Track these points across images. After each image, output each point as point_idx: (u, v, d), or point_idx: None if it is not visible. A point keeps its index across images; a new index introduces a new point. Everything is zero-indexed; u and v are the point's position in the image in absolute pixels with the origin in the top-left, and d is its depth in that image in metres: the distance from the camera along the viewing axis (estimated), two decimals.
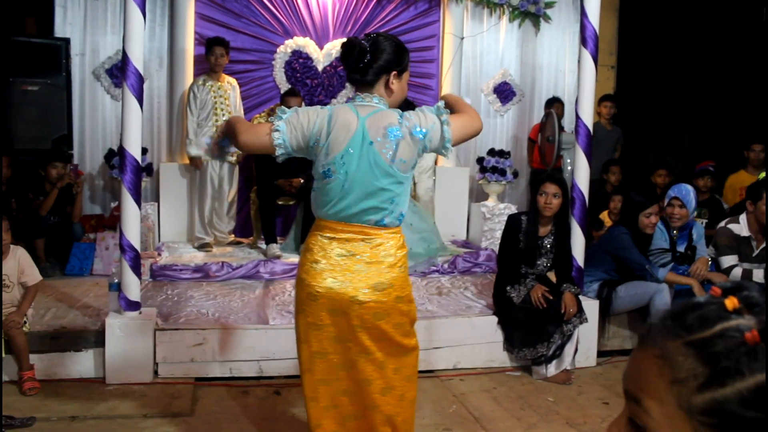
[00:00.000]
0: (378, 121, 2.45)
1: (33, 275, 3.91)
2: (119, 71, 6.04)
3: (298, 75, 6.82)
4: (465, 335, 4.37)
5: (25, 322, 3.82)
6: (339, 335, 2.53)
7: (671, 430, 0.72)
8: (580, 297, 4.36)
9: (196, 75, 6.37)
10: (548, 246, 4.34)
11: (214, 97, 6.13)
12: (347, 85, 6.64)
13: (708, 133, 8.83)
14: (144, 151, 5.79)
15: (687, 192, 4.79)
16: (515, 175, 7.00)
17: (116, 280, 4.04)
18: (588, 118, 4.52)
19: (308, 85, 6.86)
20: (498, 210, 6.74)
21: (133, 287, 3.95)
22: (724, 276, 4.77)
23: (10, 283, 3.83)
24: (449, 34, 7.12)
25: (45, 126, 5.94)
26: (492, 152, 6.94)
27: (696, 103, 9.09)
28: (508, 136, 7.68)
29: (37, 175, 5.56)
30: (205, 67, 6.23)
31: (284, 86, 6.72)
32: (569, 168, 5.85)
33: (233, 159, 6.29)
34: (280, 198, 6.18)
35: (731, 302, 0.71)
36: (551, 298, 4.21)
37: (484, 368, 4.37)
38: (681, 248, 4.81)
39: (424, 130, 2.45)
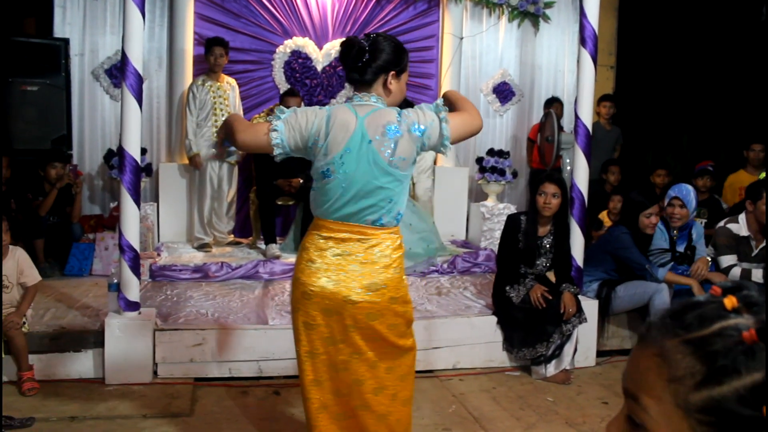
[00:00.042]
0: (376, 120, 2.45)
1: (32, 276, 3.91)
2: (118, 71, 6.03)
3: (298, 75, 6.82)
4: (464, 335, 4.37)
5: (24, 323, 3.81)
6: (331, 336, 2.53)
7: (669, 428, 0.72)
8: (580, 297, 4.36)
9: (196, 75, 6.37)
10: (547, 246, 4.34)
11: (214, 98, 6.13)
12: (346, 85, 6.64)
13: (707, 132, 8.83)
14: (143, 151, 5.79)
15: (687, 192, 4.79)
16: (514, 175, 7.00)
17: (115, 281, 4.04)
18: (587, 118, 4.52)
19: (307, 85, 6.86)
20: (497, 210, 6.74)
21: (132, 287, 3.95)
22: (723, 276, 4.77)
23: (9, 283, 3.83)
24: (448, 34, 7.13)
25: (44, 126, 5.94)
26: (491, 152, 6.94)
27: (695, 103, 9.09)
28: (507, 136, 7.69)
29: (36, 175, 5.56)
30: (205, 68, 6.23)
31: (283, 86, 6.72)
32: (568, 168, 5.86)
33: (233, 160, 6.29)
34: (279, 198, 6.18)
35: (730, 301, 0.71)
36: (550, 297, 4.21)
37: (484, 368, 4.37)
38: (681, 248, 4.82)
39: (422, 128, 2.45)
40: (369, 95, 2.51)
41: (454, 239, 6.84)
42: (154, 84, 6.56)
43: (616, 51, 8.39)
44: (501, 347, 4.43)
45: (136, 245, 3.92)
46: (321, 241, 2.52)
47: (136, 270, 3.95)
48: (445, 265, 5.80)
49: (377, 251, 2.49)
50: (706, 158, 7.17)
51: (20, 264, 3.88)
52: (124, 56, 3.78)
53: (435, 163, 7.01)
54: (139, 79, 3.80)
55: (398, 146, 2.43)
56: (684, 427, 0.71)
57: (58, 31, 6.29)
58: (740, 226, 4.88)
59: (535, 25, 7.60)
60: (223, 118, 6.03)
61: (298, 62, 6.81)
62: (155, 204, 6.38)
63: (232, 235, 6.52)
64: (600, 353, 4.65)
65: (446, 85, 7.07)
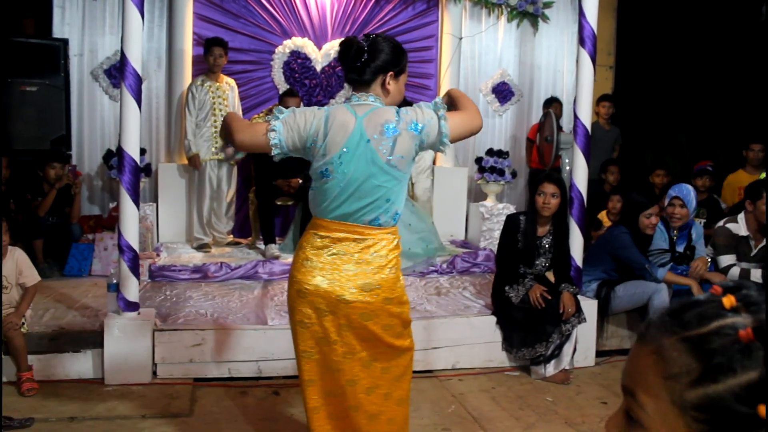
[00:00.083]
0: (375, 119, 2.45)
1: (31, 276, 3.91)
2: (118, 72, 6.04)
3: (297, 75, 6.82)
4: (464, 335, 4.38)
5: (23, 323, 3.81)
6: (324, 336, 2.52)
7: (665, 424, 0.73)
8: (579, 297, 4.37)
9: (195, 75, 6.37)
10: (547, 246, 4.34)
11: (213, 98, 6.13)
12: (346, 85, 6.64)
13: (706, 132, 8.83)
14: (142, 151, 5.79)
15: (688, 192, 4.80)
16: (514, 175, 7.00)
17: (115, 281, 4.04)
18: (586, 118, 4.52)
19: (307, 85, 6.86)
20: (496, 210, 6.75)
21: (131, 288, 3.95)
22: (722, 276, 4.78)
23: (8, 284, 3.82)
24: (447, 34, 7.13)
25: (43, 126, 5.93)
26: (490, 152, 6.95)
27: (694, 103, 9.09)
28: (506, 136, 7.69)
29: (35, 175, 5.56)
30: (204, 68, 6.23)
31: (282, 86, 6.72)
32: (567, 168, 5.86)
33: (238, 157, 6.29)
34: (278, 198, 6.18)
35: (729, 300, 0.72)
36: (550, 297, 4.21)
37: (483, 368, 4.37)
38: (680, 248, 4.82)
39: (420, 125, 2.45)
40: (367, 95, 2.51)
41: (454, 239, 6.85)
42: (153, 84, 6.56)
43: (615, 51, 8.39)
44: (500, 347, 4.43)
45: (136, 245, 3.92)
46: (318, 240, 2.52)
47: (135, 270, 3.95)
48: (445, 265, 5.81)
49: (372, 251, 2.49)
50: (705, 158, 7.17)
51: (19, 264, 3.87)
52: (123, 56, 3.78)
53: (434, 163, 7.02)
54: (138, 80, 3.80)
55: (396, 145, 2.43)
56: (679, 424, 0.72)
57: (57, 32, 6.29)
58: (739, 226, 4.89)
59: (534, 25, 7.60)
60: (222, 120, 6.05)
61: (297, 62, 6.81)
62: (154, 204, 6.38)
63: (232, 236, 6.52)
64: (599, 353, 4.65)
65: (445, 85, 7.07)
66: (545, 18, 7.60)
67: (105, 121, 6.52)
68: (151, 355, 3.93)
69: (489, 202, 6.91)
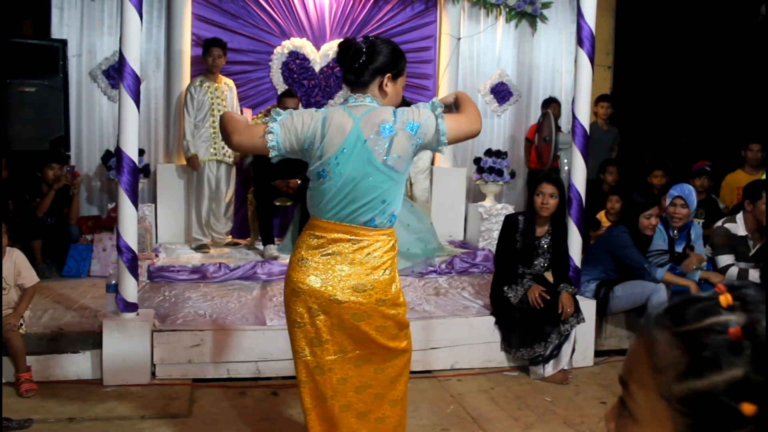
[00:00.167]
0: (372, 119, 2.45)
1: (30, 277, 3.90)
2: (116, 72, 6.03)
3: (295, 76, 6.82)
4: (462, 335, 4.38)
5: (21, 324, 3.81)
6: (316, 337, 2.53)
7: (652, 415, 0.75)
8: (577, 297, 4.37)
9: (193, 76, 6.37)
10: (545, 246, 4.34)
11: (211, 98, 6.13)
12: (344, 86, 6.64)
13: (705, 132, 8.84)
14: (141, 152, 5.78)
15: (690, 192, 4.80)
16: (512, 175, 7.01)
17: (113, 282, 4.04)
18: (585, 118, 4.52)
19: (305, 86, 6.86)
20: (495, 210, 6.75)
21: (130, 288, 3.95)
22: (721, 275, 4.78)
23: (7, 285, 3.81)
24: (446, 34, 7.13)
25: (42, 127, 5.93)
26: (489, 152, 6.95)
27: (693, 103, 9.10)
28: (505, 136, 7.70)
29: (34, 176, 5.56)
30: (202, 68, 6.23)
31: (281, 87, 6.72)
32: (566, 168, 5.86)
33: (230, 160, 6.29)
34: (277, 199, 6.18)
35: (725, 299, 0.73)
36: (548, 298, 4.21)
37: (482, 368, 4.37)
38: (679, 249, 4.82)
39: (417, 124, 2.45)
40: (364, 96, 2.52)
41: (452, 240, 6.85)
42: (152, 85, 6.56)
43: (613, 51, 8.40)
44: (499, 347, 4.43)
45: (134, 246, 3.92)
46: (313, 240, 2.53)
47: (134, 271, 3.95)
48: (443, 266, 5.81)
49: (366, 252, 2.50)
50: (703, 158, 7.18)
51: (17, 265, 3.87)
52: (121, 57, 3.78)
53: (433, 163, 7.02)
54: (137, 80, 3.80)
55: (393, 145, 2.43)
56: (666, 416, 0.73)
57: (56, 32, 6.29)
58: (738, 226, 4.90)
59: (533, 25, 7.60)
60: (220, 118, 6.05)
61: (296, 63, 6.81)
62: (153, 205, 6.38)
63: (230, 236, 6.51)
64: (598, 353, 4.65)
65: (444, 86, 7.08)
66: (543, 18, 7.60)
67: (103, 122, 6.52)
68: (149, 356, 3.93)
69: (488, 202, 6.91)
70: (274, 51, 6.78)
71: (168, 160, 6.59)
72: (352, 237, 2.49)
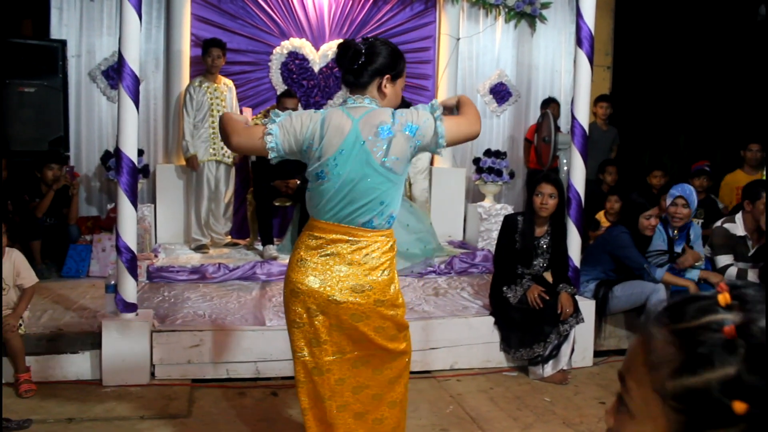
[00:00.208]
0: (370, 120, 2.45)
1: (29, 277, 3.90)
2: (115, 73, 6.03)
3: (295, 76, 6.83)
4: (462, 336, 4.38)
5: (20, 325, 3.81)
6: (315, 337, 2.53)
7: (647, 410, 0.76)
8: (577, 297, 4.37)
9: (193, 76, 6.37)
10: (544, 246, 4.34)
11: (211, 99, 6.13)
12: (343, 86, 6.64)
13: (704, 133, 8.85)
14: (140, 152, 5.77)
15: (690, 192, 4.81)
16: (511, 175, 7.01)
17: (113, 282, 4.04)
18: (584, 119, 4.52)
19: (304, 86, 6.86)
20: (494, 210, 6.75)
21: (129, 289, 3.95)
22: (720, 275, 4.79)
23: (6, 285, 3.82)
24: (445, 35, 7.13)
25: (41, 128, 5.93)
26: (488, 153, 6.96)
27: (692, 103, 9.11)
28: (504, 136, 7.70)
29: (33, 176, 5.56)
30: (202, 69, 6.23)
31: (280, 87, 6.72)
32: (565, 168, 5.86)
33: (230, 161, 6.29)
34: (276, 199, 6.19)
35: (724, 298, 0.74)
36: (548, 298, 4.21)
37: (481, 368, 4.37)
38: (678, 249, 4.82)
39: (416, 126, 2.45)
40: (363, 97, 2.52)
41: (452, 240, 6.85)
42: (151, 85, 6.56)
43: (612, 51, 8.40)
44: (498, 348, 4.43)
45: (134, 246, 3.92)
46: (312, 241, 2.53)
47: (133, 271, 3.95)
48: (443, 266, 5.81)
49: (365, 253, 2.50)
50: (702, 158, 7.19)
51: (17, 266, 3.87)
52: (120, 57, 3.78)
53: (432, 163, 7.02)
54: (136, 81, 3.80)
55: (391, 146, 2.43)
56: (660, 411, 0.74)
57: (55, 33, 6.29)
58: (737, 226, 4.90)
59: (532, 25, 7.61)
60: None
61: (295, 63, 6.81)
62: (152, 205, 6.38)
63: (230, 237, 6.51)
64: (597, 353, 4.65)
65: (443, 86, 7.09)
66: (543, 18, 7.60)
67: (103, 122, 6.52)
68: (149, 356, 3.93)
69: (487, 202, 6.92)
70: (274, 51, 6.78)
71: (167, 160, 6.59)
72: (350, 238, 2.49)
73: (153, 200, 6.46)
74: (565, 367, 4.24)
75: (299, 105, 6.19)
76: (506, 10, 7.44)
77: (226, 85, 6.28)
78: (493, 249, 5.01)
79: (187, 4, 6.45)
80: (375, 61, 2.49)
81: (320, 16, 6.88)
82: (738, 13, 8.88)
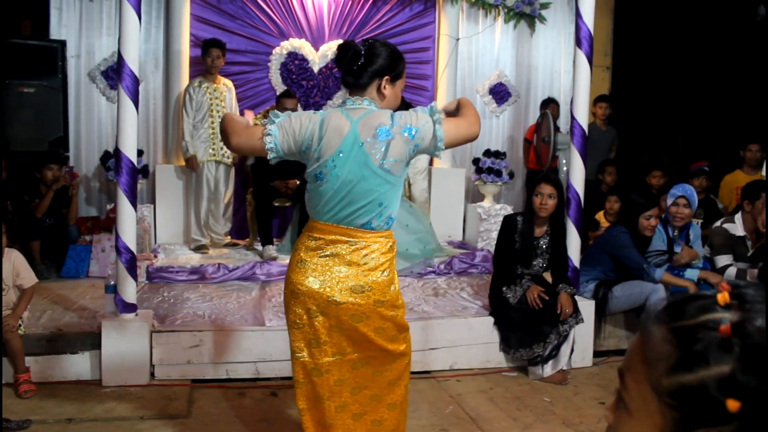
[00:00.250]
0: (369, 122, 2.45)
1: (28, 278, 3.90)
2: (115, 73, 6.03)
3: (294, 77, 6.83)
4: (461, 336, 4.38)
5: (20, 325, 3.80)
6: (315, 338, 2.54)
7: (644, 407, 0.77)
8: (576, 297, 4.37)
9: (192, 77, 6.37)
10: (544, 246, 4.34)
11: (210, 99, 6.13)
12: (342, 87, 6.64)
13: (703, 133, 8.85)
14: (140, 152, 5.77)
15: (692, 192, 4.82)
16: (511, 175, 7.01)
17: (112, 282, 4.04)
18: (583, 119, 4.53)
19: (304, 86, 6.87)
20: (494, 211, 6.75)
21: (129, 289, 3.95)
22: (719, 276, 4.79)
23: (6, 286, 3.81)
24: (445, 35, 7.14)
25: (41, 128, 5.93)
26: (488, 153, 6.96)
27: (691, 104, 9.11)
28: (503, 136, 7.70)
29: (32, 177, 5.55)
30: (201, 69, 6.23)
31: (280, 88, 6.72)
32: (565, 168, 5.87)
33: (229, 161, 6.29)
34: (276, 199, 6.19)
35: (723, 297, 0.74)
36: (547, 298, 4.22)
37: (481, 369, 4.38)
38: (678, 249, 4.82)
39: (414, 129, 2.45)
40: (362, 99, 2.52)
41: (451, 240, 6.85)
42: (151, 86, 6.56)
43: (611, 52, 8.41)
44: (498, 348, 4.43)
45: (133, 247, 3.92)
46: (312, 242, 2.54)
47: (132, 272, 3.95)
48: (442, 266, 5.81)
49: (364, 253, 2.50)
50: (702, 159, 7.19)
51: (16, 266, 3.86)
52: (120, 58, 3.78)
53: (431, 164, 7.02)
54: (136, 81, 3.80)
55: (390, 148, 2.43)
56: (656, 408, 0.75)
57: (54, 33, 6.29)
58: (736, 226, 4.90)
59: (531, 26, 7.61)
60: (220, 120, 6.06)
61: (295, 64, 6.81)
62: (152, 206, 6.38)
63: (229, 237, 6.51)
64: (597, 353, 4.66)
65: (442, 86, 7.09)
66: (542, 19, 7.61)
67: (102, 123, 6.52)
68: (148, 357, 3.93)
69: (486, 202, 6.92)
70: (273, 52, 6.78)
71: (167, 160, 6.59)
72: (349, 239, 2.50)
73: (152, 201, 6.46)
74: (564, 368, 4.24)
75: (299, 105, 6.19)
76: (505, 10, 7.44)
77: (225, 86, 6.28)
78: (492, 249, 5.01)
79: (186, 4, 6.45)
80: (374, 62, 2.49)
81: (320, 17, 6.88)
82: (737, 13, 8.89)
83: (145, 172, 6.20)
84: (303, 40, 6.83)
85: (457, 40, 7.18)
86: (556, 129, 6.49)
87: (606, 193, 6.53)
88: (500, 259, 4.43)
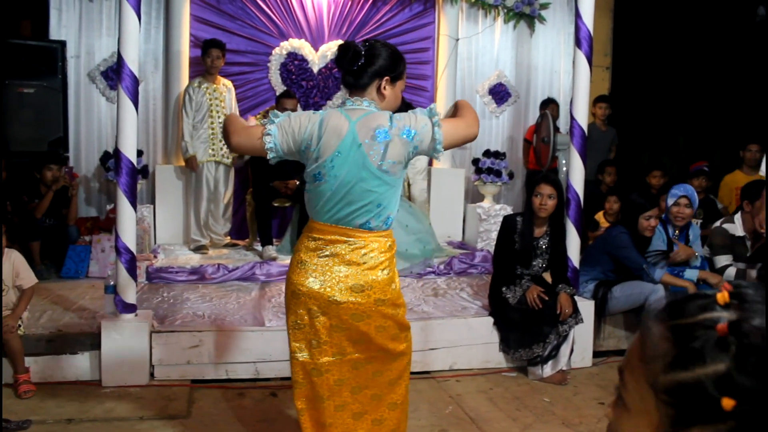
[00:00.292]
0: (367, 123, 2.46)
1: (28, 278, 3.90)
2: (114, 73, 6.03)
3: (294, 77, 6.83)
4: (461, 336, 4.38)
5: (20, 326, 3.80)
6: (315, 338, 2.54)
7: (641, 403, 0.78)
8: (576, 297, 4.37)
9: (192, 77, 6.37)
10: (543, 247, 4.35)
11: (210, 100, 6.13)
12: (342, 87, 6.64)
13: (703, 133, 8.86)
14: (139, 153, 5.78)
15: (693, 192, 4.82)
16: (511, 176, 7.02)
17: (112, 283, 4.04)
18: (583, 119, 4.53)
19: (303, 86, 6.87)
20: (494, 211, 6.75)
21: (129, 290, 3.95)
22: (719, 276, 4.79)
23: (6, 286, 3.81)
24: (444, 35, 7.14)
25: (41, 128, 5.93)
26: (487, 153, 6.96)
27: (691, 104, 9.12)
28: (503, 137, 7.70)
29: (32, 177, 5.55)
30: (201, 69, 6.23)
31: (279, 88, 6.72)
32: (564, 169, 5.87)
33: (229, 161, 6.29)
34: (275, 200, 6.19)
35: (722, 296, 0.75)
36: (547, 298, 4.22)
37: (480, 369, 4.38)
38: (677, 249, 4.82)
39: (413, 131, 2.46)
40: (362, 99, 2.53)
41: (451, 240, 6.85)
42: (150, 86, 6.56)
43: (611, 52, 8.41)
44: (497, 348, 4.44)
45: (133, 247, 3.92)
46: (311, 242, 2.54)
47: (132, 272, 3.95)
48: (442, 267, 5.81)
49: (363, 252, 2.51)
50: (701, 159, 7.20)
51: (16, 266, 3.86)
52: (120, 58, 3.78)
53: (430, 164, 7.02)
54: (135, 81, 3.80)
55: (388, 150, 2.44)
56: (652, 405, 0.75)
57: (54, 34, 6.29)
58: (736, 227, 4.90)
59: (531, 26, 7.61)
60: (219, 121, 6.08)
61: (294, 64, 6.81)
62: (152, 206, 6.38)
63: (229, 237, 6.51)
64: (596, 354, 4.66)
65: (442, 87, 7.09)
66: (542, 19, 7.61)
67: (102, 123, 6.52)
68: (148, 357, 3.93)
69: (486, 203, 6.92)
70: (273, 52, 6.78)
71: (166, 161, 6.59)
72: (348, 239, 2.50)
73: (152, 201, 6.46)
74: (564, 368, 4.24)
75: (298, 106, 6.19)
76: (505, 10, 7.44)
77: (225, 86, 6.28)
78: (492, 249, 5.01)
79: (186, 4, 6.45)
80: (374, 62, 2.50)
81: (319, 17, 6.89)
82: (737, 13, 8.89)
83: (144, 172, 6.20)
84: (302, 40, 6.83)
85: (457, 40, 7.18)
86: (556, 129, 6.48)
87: (605, 193, 6.53)
88: (500, 260, 4.43)
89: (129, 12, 3.74)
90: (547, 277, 4.51)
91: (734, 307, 0.74)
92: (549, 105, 7.18)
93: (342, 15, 6.92)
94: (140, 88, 4.13)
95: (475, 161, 6.95)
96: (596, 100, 7.33)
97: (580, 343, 4.44)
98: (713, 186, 6.68)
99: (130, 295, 3.96)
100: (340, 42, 2.63)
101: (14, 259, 3.88)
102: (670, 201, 4.82)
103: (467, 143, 2.71)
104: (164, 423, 3.45)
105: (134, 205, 3.90)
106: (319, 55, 6.88)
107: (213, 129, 6.11)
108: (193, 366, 4.00)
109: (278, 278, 5.35)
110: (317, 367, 2.56)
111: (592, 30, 4.44)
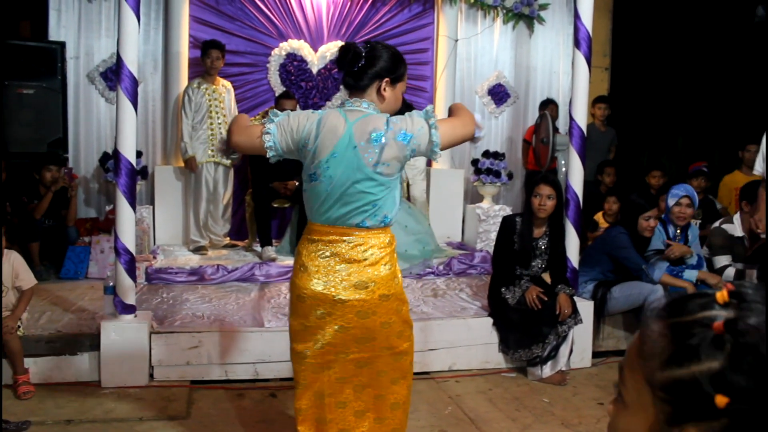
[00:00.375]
0: (364, 126, 2.46)
1: (27, 279, 3.90)
2: (114, 74, 6.01)
3: (293, 78, 6.83)
4: (460, 337, 4.38)
5: (19, 327, 3.80)
6: (321, 339, 2.55)
7: (639, 400, 0.79)
8: (575, 298, 4.37)
9: (191, 78, 6.37)
10: (543, 247, 4.35)
11: (209, 100, 6.13)
12: (342, 88, 6.64)
13: (702, 133, 8.86)
14: (139, 154, 5.77)
15: (693, 191, 4.82)
16: (510, 176, 7.02)
17: (111, 284, 4.03)
18: (582, 120, 4.53)
19: (303, 87, 6.87)
20: (493, 212, 6.76)
21: (128, 290, 3.95)
22: (718, 276, 4.79)
23: (5, 287, 3.81)
24: (443, 36, 7.14)
25: (40, 129, 5.93)
26: (486, 154, 6.96)
27: (690, 104, 9.12)
28: (502, 137, 7.70)
29: (31, 178, 5.55)
30: (200, 70, 6.24)
31: (279, 89, 6.72)
32: (564, 169, 5.87)
33: (228, 162, 6.29)
34: (275, 200, 6.19)
35: (721, 295, 0.76)
36: (546, 299, 4.22)
37: (480, 369, 4.38)
38: None
39: (410, 134, 2.46)
40: (361, 101, 2.53)
41: (450, 241, 6.85)
42: (150, 87, 6.56)
43: (610, 52, 8.42)
44: (497, 349, 4.44)
45: (132, 248, 3.92)
46: (311, 244, 2.56)
47: (132, 273, 3.95)
48: (441, 267, 5.81)
49: (362, 249, 2.51)
50: (701, 159, 7.20)
51: (15, 267, 3.86)
52: (119, 59, 3.78)
53: (429, 164, 7.02)
54: (135, 82, 3.80)
55: (383, 153, 2.44)
56: (649, 401, 0.77)
57: (53, 34, 6.29)
58: (735, 227, 4.91)
59: (530, 26, 7.61)
60: (219, 121, 6.09)
61: (294, 65, 6.82)
62: (151, 207, 6.38)
63: (228, 238, 6.51)
64: (595, 354, 4.66)
65: (441, 87, 7.10)
66: (541, 20, 7.61)
67: (101, 124, 6.51)
68: (148, 358, 3.94)
69: (485, 203, 6.92)
70: (272, 53, 6.79)
71: (166, 162, 6.59)
72: (346, 238, 2.51)
73: (151, 202, 6.46)
74: (563, 368, 4.24)
75: (298, 106, 6.19)
76: (504, 11, 7.45)
77: (224, 87, 6.28)
78: (491, 250, 5.01)
79: (185, 5, 6.45)
80: (375, 64, 2.50)
81: (318, 18, 6.89)
82: (736, 14, 8.90)
83: (144, 173, 6.20)
84: (302, 41, 6.84)
85: (456, 41, 7.18)
86: (555, 130, 6.48)
87: (605, 193, 6.54)
88: (499, 260, 4.43)
89: (128, 13, 3.74)
90: (547, 277, 4.51)
91: (733, 306, 0.74)
92: (548, 105, 7.18)
93: (341, 16, 6.92)
94: (139, 89, 4.13)
95: (475, 162, 6.96)
96: (595, 101, 7.33)
97: (579, 343, 4.44)
98: (712, 186, 6.69)
99: (129, 296, 3.96)
100: (340, 43, 2.64)
101: (14, 260, 3.88)
102: (672, 201, 4.81)
103: (465, 142, 2.71)
104: (164, 424, 3.45)
105: (133, 206, 3.90)
106: (319, 56, 6.88)
107: (212, 130, 6.11)
108: (193, 367, 4.00)
109: (277, 279, 5.35)
110: (320, 365, 2.57)
111: (591, 31, 4.45)
